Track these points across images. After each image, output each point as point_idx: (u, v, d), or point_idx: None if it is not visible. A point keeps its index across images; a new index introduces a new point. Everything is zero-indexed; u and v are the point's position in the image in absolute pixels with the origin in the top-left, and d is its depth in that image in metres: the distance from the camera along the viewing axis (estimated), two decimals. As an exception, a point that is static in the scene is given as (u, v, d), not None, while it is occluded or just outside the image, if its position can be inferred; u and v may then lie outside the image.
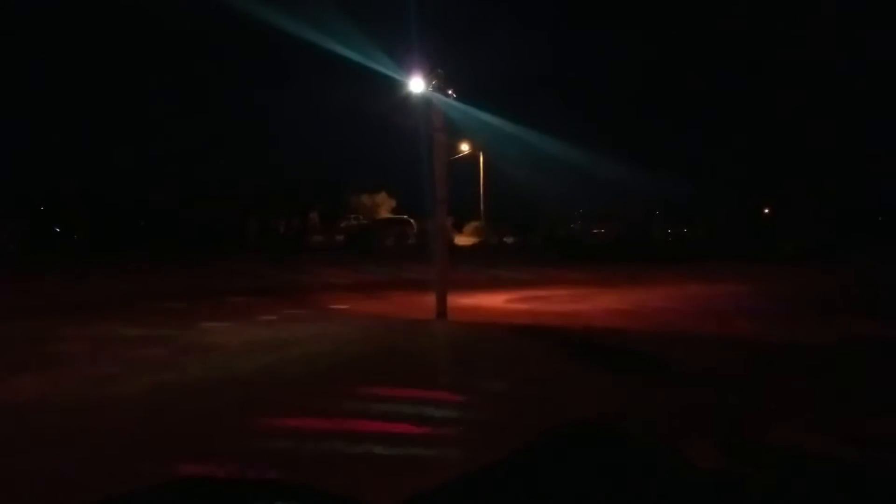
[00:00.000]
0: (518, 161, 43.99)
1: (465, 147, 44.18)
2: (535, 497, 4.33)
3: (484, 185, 45.27)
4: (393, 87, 13.77)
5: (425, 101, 13.32)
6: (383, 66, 14.64)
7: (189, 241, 40.93)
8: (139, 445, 5.35)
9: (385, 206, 53.91)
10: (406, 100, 13.58)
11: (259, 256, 33.77)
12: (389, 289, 19.10)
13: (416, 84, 13.15)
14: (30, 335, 10.93)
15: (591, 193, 58.49)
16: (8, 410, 6.43)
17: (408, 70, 13.35)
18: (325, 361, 8.84)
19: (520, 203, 55.12)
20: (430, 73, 13.08)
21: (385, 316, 13.28)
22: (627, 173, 49.15)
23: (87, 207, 47.64)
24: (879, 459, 5.00)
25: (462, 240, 47.26)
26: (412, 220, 46.68)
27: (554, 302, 15.71)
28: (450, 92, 13.17)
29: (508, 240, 49.87)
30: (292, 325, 11.79)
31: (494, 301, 15.90)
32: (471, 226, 50.75)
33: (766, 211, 58.44)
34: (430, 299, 13.06)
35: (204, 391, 7.10)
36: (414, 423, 5.85)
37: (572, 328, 11.48)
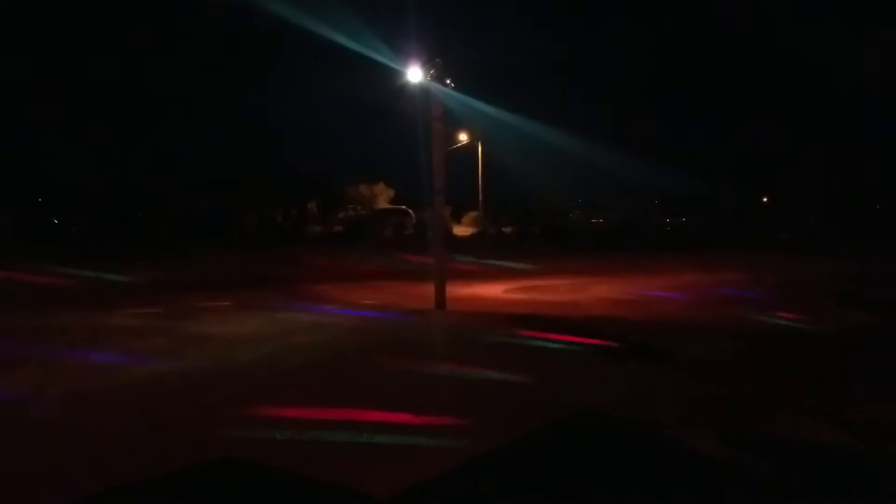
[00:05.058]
0: (517, 151, 43.98)
1: (463, 137, 44.15)
2: (537, 486, 4.34)
3: (482, 174, 45.27)
4: (391, 77, 13.73)
5: (423, 91, 13.27)
6: (381, 56, 14.59)
7: (186, 231, 40.86)
8: (139, 436, 5.36)
9: (383, 197, 53.83)
10: (404, 89, 13.52)
11: (257, 247, 33.72)
12: (388, 279, 19.09)
13: (414, 74, 13.10)
14: (28, 326, 10.93)
15: (589, 183, 58.54)
16: (6, 402, 6.44)
17: (406, 60, 13.30)
18: (323, 351, 8.83)
19: (518, 193, 55.17)
20: (428, 63, 13.02)
21: (384, 306, 13.28)
22: (626, 163, 49.17)
23: (85, 199, 47.53)
24: (879, 448, 5.02)
25: (460, 230, 47.18)
26: (410, 211, 46.63)
27: (553, 292, 15.72)
28: (448, 81, 13.12)
29: (507, 230, 49.78)
30: (291, 316, 11.79)
31: (493, 291, 15.91)
32: (469, 216, 50.68)
33: (765, 200, 58.44)
34: (428, 289, 13.06)
35: (203, 381, 7.10)
36: (414, 412, 5.86)
37: (572, 318, 11.49)
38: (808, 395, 6.34)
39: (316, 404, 6.23)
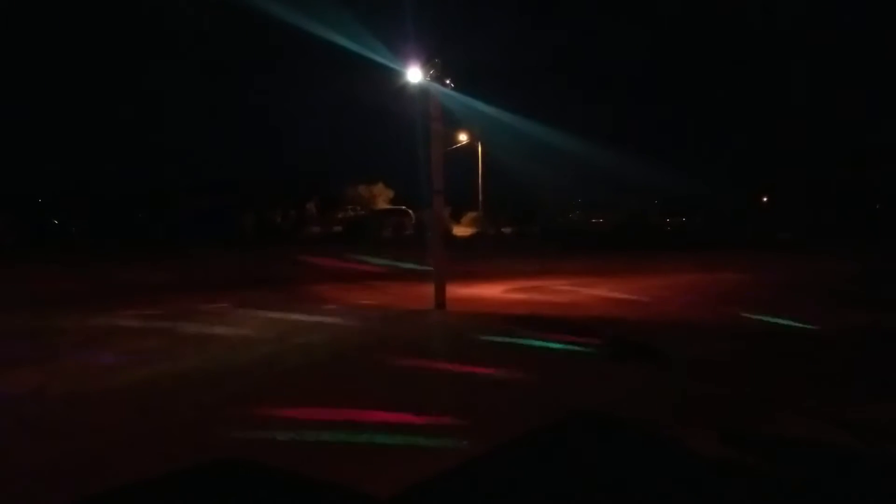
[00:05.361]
0: (517, 151, 44.00)
1: (462, 137, 44.18)
2: (536, 486, 4.34)
3: (482, 175, 45.30)
4: (390, 78, 13.73)
5: (422, 91, 13.27)
6: (381, 57, 14.59)
7: (186, 231, 40.89)
8: (139, 436, 5.36)
9: (382, 197, 53.83)
10: (403, 90, 13.52)
11: (256, 247, 33.72)
12: (387, 279, 19.10)
13: (414, 74, 13.10)
14: (28, 327, 10.93)
15: (589, 183, 58.55)
16: (7, 403, 6.44)
17: (405, 60, 13.30)
18: (323, 351, 8.84)
19: (518, 193, 55.15)
20: (427, 63, 13.02)
21: (384, 306, 13.28)
22: (626, 163, 49.21)
23: (86, 200, 47.54)
24: (879, 448, 5.02)
25: (460, 230, 47.21)
26: (409, 211, 46.65)
27: (552, 292, 15.72)
28: (447, 82, 13.12)
29: (506, 230, 49.82)
30: (290, 316, 11.79)
31: (493, 291, 15.91)
32: (468, 216, 50.71)
33: (765, 199, 58.47)
34: (428, 290, 13.06)
35: (203, 382, 7.10)
36: (414, 412, 5.85)
37: (571, 317, 11.49)
38: (808, 395, 6.34)
39: (316, 404, 6.23)
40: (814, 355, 8.34)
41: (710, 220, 54.02)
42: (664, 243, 37.38)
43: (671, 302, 13.62)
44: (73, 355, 8.57)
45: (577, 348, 8.96)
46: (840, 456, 4.80)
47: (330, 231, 47.05)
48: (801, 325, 10.63)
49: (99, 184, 49.44)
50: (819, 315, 11.61)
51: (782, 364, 7.86)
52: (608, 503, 4.11)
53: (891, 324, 10.78)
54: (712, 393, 6.49)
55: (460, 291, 14.67)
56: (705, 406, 6.04)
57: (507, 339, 9.60)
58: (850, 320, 10.92)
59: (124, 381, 7.15)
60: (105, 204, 47.26)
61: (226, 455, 4.86)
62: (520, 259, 26.41)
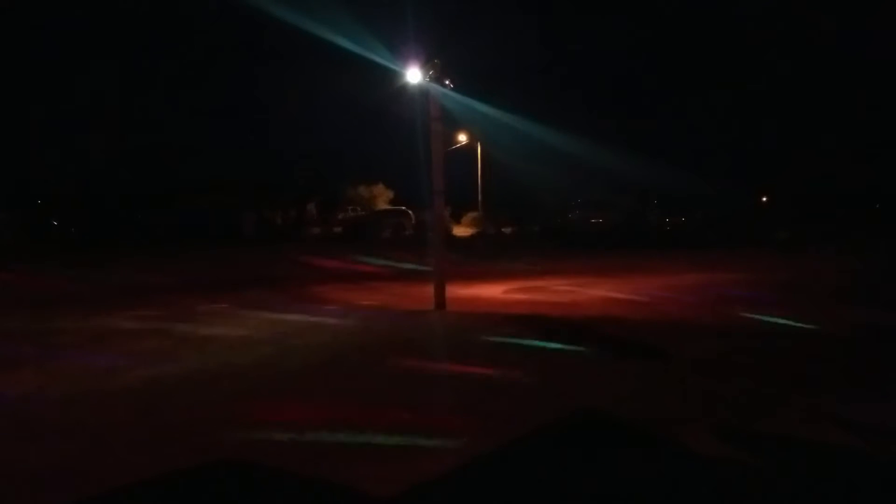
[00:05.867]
0: (516, 151, 44.05)
1: (462, 137, 44.16)
2: (537, 485, 4.34)
3: (482, 174, 45.33)
4: (390, 78, 13.75)
5: (422, 92, 13.28)
6: (380, 57, 14.60)
7: (186, 232, 40.87)
8: (139, 437, 5.36)
9: (383, 198, 53.83)
10: (403, 90, 13.53)
11: (256, 248, 33.72)
12: (387, 280, 19.10)
13: (413, 74, 13.11)
14: (28, 328, 10.94)
15: (589, 183, 58.51)
16: (7, 403, 6.44)
17: (405, 60, 13.31)
18: (323, 352, 8.83)
19: (518, 193, 55.13)
20: (426, 64, 13.02)
21: (384, 307, 13.28)
22: (626, 163, 49.24)
23: (85, 200, 47.50)
24: (880, 448, 5.02)
25: (460, 230, 47.21)
26: (410, 212, 46.62)
27: (552, 292, 15.72)
28: (447, 82, 13.12)
29: (507, 230, 49.82)
30: (290, 317, 11.79)
31: (493, 291, 15.91)
32: (469, 216, 50.73)
33: (765, 199, 58.49)
34: (428, 290, 13.06)
35: (203, 383, 7.10)
36: (414, 412, 5.86)
37: (571, 317, 11.49)
38: (808, 395, 6.33)
39: (316, 404, 6.23)
40: (814, 355, 8.34)
41: (710, 220, 53.99)
42: (664, 243, 37.38)
43: (671, 302, 13.62)
44: (73, 356, 8.57)
45: (577, 348, 8.95)
46: (841, 456, 4.80)
47: (330, 231, 47.04)
48: (800, 324, 10.63)
49: (99, 184, 49.38)
50: (819, 315, 11.61)
51: (782, 363, 7.86)
52: (608, 503, 4.11)
53: (891, 324, 10.78)
54: (713, 392, 6.49)
55: (460, 292, 14.67)
56: (706, 405, 6.04)
57: (508, 340, 9.60)
58: (850, 320, 10.92)
59: (124, 381, 7.15)
60: (105, 204, 47.21)
61: (226, 455, 4.86)
62: (520, 259, 26.41)
